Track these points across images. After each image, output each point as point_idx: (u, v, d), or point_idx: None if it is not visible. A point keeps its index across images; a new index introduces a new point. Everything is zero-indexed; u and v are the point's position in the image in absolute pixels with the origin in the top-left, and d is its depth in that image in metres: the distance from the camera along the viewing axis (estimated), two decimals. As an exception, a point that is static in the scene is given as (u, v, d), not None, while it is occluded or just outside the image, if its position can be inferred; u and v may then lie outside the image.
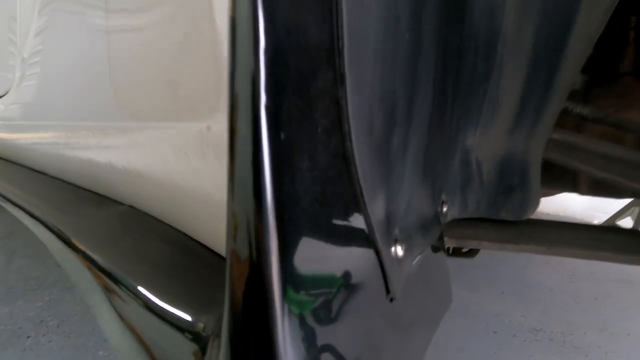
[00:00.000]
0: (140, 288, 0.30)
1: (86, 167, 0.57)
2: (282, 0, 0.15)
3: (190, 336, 0.25)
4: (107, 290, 0.34)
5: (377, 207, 0.25)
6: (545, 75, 0.50)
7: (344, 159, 0.20)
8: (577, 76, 0.51)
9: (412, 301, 0.36)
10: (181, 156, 0.29)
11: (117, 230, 0.47)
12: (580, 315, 1.32)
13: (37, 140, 0.72)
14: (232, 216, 0.17)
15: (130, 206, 0.56)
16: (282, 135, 0.15)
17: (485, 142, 0.52)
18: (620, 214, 1.91)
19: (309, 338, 0.18)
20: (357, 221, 0.22)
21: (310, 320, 0.20)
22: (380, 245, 0.25)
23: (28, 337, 1.36)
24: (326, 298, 0.21)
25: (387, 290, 0.26)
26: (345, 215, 0.21)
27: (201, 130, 0.25)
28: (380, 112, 0.23)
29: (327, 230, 0.19)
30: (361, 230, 0.22)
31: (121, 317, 0.32)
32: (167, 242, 0.40)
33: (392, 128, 0.26)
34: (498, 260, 1.60)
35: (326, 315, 0.21)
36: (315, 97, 0.17)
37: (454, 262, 0.75)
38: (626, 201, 1.85)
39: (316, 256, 0.19)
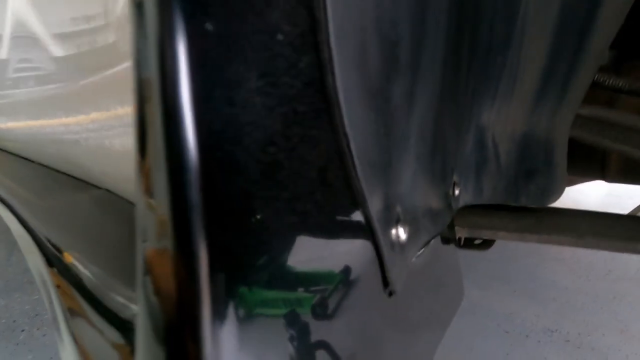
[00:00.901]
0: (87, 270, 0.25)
1: (59, 148, 0.52)
2: None
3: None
4: (70, 308, 0.29)
5: (369, 171, 0.19)
6: (575, 40, 0.44)
7: (322, 92, 0.14)
8: (611, 40, 0.44)
9: (418, 297, 0.30)
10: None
11: (87, 217, 0.42)
12: (598, 315, 1.24)
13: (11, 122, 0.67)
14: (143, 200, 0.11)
15: (107, 190, 0.51)
16: (208, 26, 0.09)
17: (504, 118, 0.46)
18: (638, 210, 1.79)
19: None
20: (340, 183, 0.16)
21: (271, 321, 0.15)
22: (377, 226, 0.19)
23: (22, 330, 1.33)
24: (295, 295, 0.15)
25: (385, 282, 0.20)
26: (322, 173, 0.15)
27: None
28: (375, 40, 0.17)
29: (290, 193, 0.13)
30: (347, 196, 0.16)
31: (79, 344, 0.27)
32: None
33: (393, 70, 0.20)
34: (509, 257, 1.52)
35: (317, 313, 0.16)
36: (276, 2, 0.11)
37: (463, 256, 0.69)
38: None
39: (289, 246, 0.13)
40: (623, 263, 1.50)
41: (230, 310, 0.12)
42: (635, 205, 1.78)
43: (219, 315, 0.12)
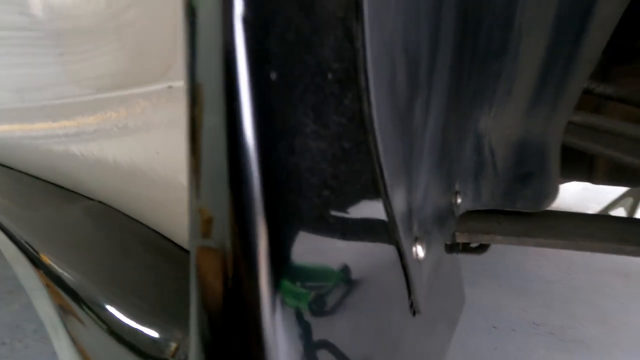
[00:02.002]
0: (104, 305, 0.23)
1: (48, 157, 0.50)
2: None
3: (156, 354, 0.19)
4: (63, 307, 0.28)
5: (398, 194, 0.18)
6: (569, 46, 0.45)
7: (362, 124, 0.14)
8: (602, 48, 0.45)
9: (432, 304, 0.31)
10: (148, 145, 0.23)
11: (83, 230, 0.40)
12: (580, 308, 1.29)
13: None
14: (197, 211, 0.11)
15: (100, 202, 0.49)
16: (272, 75, 0.09)
17: (500, 124, 0.46)
18: (614, 204, 1.89)
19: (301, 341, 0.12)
20: (376, 212, 0.16)
21: (308, 344, 0.14)
22: (404, 245, 0.19)
23: (3, 343, 1.27)
24: (333, 319, 0.15)
25: (411, 303, 0.20)
26: (362, 205, 0.15)
27: (161, 90, 0.19)
28: (403, 64, 0.17)
29: (338, 226, 0.13)
30: (382, 224, 0.16)
31: (76, 343, 0.26)
32: (138, 242, 0.34)
33: (415, 89, 0.20)
34: (496, 254, 1.56)
35: (332, 338, 0.15)
36: (321, 23, 0.11)
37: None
38: (619, 192, 1.84)
39: (318, 265, 0.13)
40: (601, 257, 1.57)
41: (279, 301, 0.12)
42: (611, 199, 1.85)
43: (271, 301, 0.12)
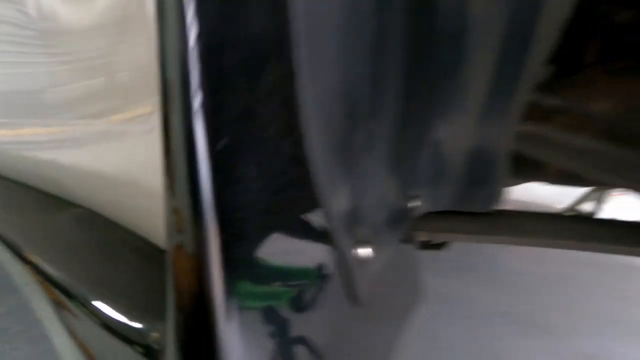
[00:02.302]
0: (93, 301, 0.28)
1: (38, 167, 0.52)
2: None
3: (140, 349, 0.23)
4: (56, 302, 0.32)
5: (337, 209, 0.23)
6: (514, 65, 0.50)
7: (298, 161, 0.18)
8: (544, 64, 0.51)
9: (380, 297, 0.35)
10: (131, 153, 0.27)
11: (71, 236, 0.44)
12: (547, 297, 1.38)
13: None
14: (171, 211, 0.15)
15: (89, 209, 0.53)
16: (223, 140, 0.14)
17: (455, 134, 0.52)
18: (583, 200, 2.00)
19: (257, 338, 0.16)
20: (317, 233, 0.20)
21: (263, 320, 0.19)
22: (345, 249, 0.24)
23: (-10, 346, 1.28)
24: (278, 302, 0.19)
25: (352, 295, 0.25)
26: (304, 229, 0.19)
27: (142, 133, 0.23)
28: (340, 109, 0.22)
29: (283, 240, 0.18)
30: (322, 235, 0.21)
31: (72, 333, 0.30)
32: (123, 246, 0.38)
33: (354, 125, 0.24)
34: (470, 248, 1.64)
35: (294, 310, 0.20)
36: (262, 97, 0.15)
37: (429, 252, 0.76)
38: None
39: (267, 272, 0.17)
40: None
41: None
42: (583, 193, 1.94)
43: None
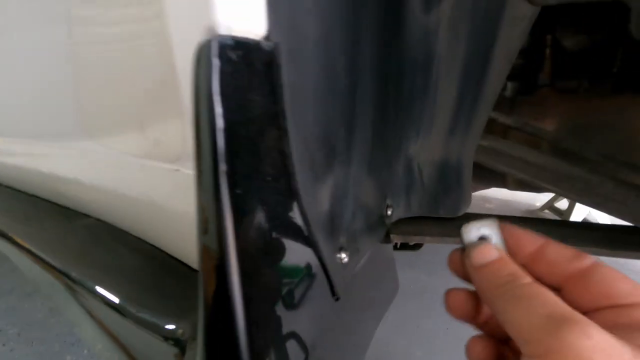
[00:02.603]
0: (123, 301, 0.34)
1: (51, 181, 0.58)
2: (233, 85, 0.20)
3: (172, 342, 0.29)
4: (85, 303, 0.38)
5: (321, 223, 0.30)
6: (474, 89, 0.58)
7: (290, 194, 0.25)
8: (500, 89, 0.59)
9: (358, 294, 0.43)
10: (154, 189, 0.33)
11: (89, 242, 0.49)
12: (521, 289, 1.47)
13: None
14: (202, 254, 0.22)
15: (97, 219, 0.58)
16: (239, 190, 0.20)
17: (425, 149, 0.59)
18: (556, 198, 2.14)
19: (271, 327, 0.23)
20: (302, 239, 0.27)
21: (271, 311, 0.26)
22: (326, 258, 0.31)
23: (-13, 347, 1.31)
24: (280, 303, 0.26)
25: (333, 292, 0.32)
26: (293, 238, 0.26)
27: (170, 171, 0.29)
28: (321, 150, 0.29)
29: (279, 251, 0.24)
30: (306, 245, 0.28)
31: (107, 330, 0.36)
32: (137, 253, 0.44)
33: (331, 159, 0.31)
34: (449, 247, 1.74)
35: (287, 306, 0.27)
36: (264, 154, 0.22)
37: (408, 252, 0.84)
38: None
39: (267, 273, 0.24)
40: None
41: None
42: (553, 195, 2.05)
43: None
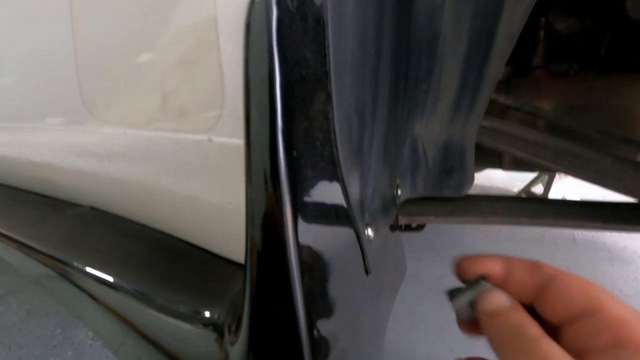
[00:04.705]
0: (151, 295, 0.32)
1: (45, 171, 0.54)
2: (290, 38, 0.19)
3: (211, 327, 0.28)
4: (101, 297, 0.35)
5: (354, 198, 0.29)
6: (477, 69, 0.58)
7: (333, 163, 0.24)
8: (502, 69, 0.60)
9: (379, 273, 0.42)
10: (180, 164, 0.31)
11: (89, 233, 0.46)
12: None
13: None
14: (252, 221, 0.20)
15: (92, 207, 0.55)
16: (295, 153, 0.19)
17: (430, 131, 0.59)
18: (533, 183, 2.23)
19: (319, 307, 0.22)
20: (343, 212, 0.26)
21: (318, 291, 0.25)
22: (359, 229, 0.30)
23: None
24: (326, 275, 0.25)
25: (365, 265, 0.31)
26: (336, 209, 0.25)
27: (202, 141, 0.27)
28: (355, 120, 0.28)
29: (327, 222, 0.23)
30: (347, 219, 0.27)
31: (133, 327, 0.34)
32: (150, 242, 0.42)
33: (363, 131, 0.31)
34: (438, 232, 1.77)
35: (327, 286, 0.26)
36: (315, 117, 0.21)
37: (403, 236, 0.85)
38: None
39: (319, 241, 0.23)
40: (522, 228, 1.85)
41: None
42: (531, 178, 2.14)
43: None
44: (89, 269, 0.37)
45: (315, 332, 0.23)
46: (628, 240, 1.86)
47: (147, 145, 0.34)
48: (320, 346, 0.23)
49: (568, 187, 2.49)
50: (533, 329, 0.25)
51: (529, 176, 2.29)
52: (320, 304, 0.24)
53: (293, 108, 0.19)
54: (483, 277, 0.29)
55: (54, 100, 0.43)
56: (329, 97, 0.22)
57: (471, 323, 0.29)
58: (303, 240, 0.21)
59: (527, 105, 0.65)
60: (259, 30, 0.18)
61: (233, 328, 0.26)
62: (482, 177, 2.64)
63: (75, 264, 0.39)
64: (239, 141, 0.23)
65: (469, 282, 0.29)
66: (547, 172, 1.84)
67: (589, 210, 0.62)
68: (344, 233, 0.26)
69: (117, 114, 0.36)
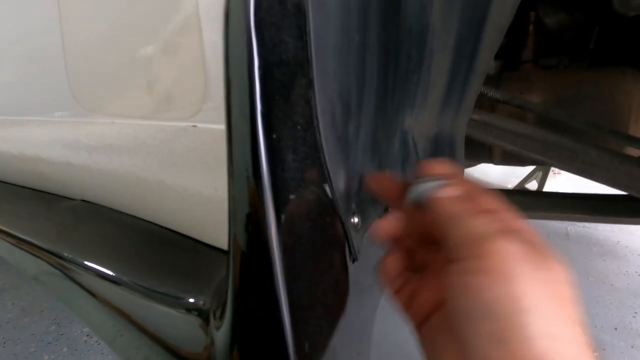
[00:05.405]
0: (138, 282, 0.32)
1: (35, 166, 0.54)
2: (268, 22, 0.19)
3: (196, 312, 0.28)
4: (92, 288, 0.36)
5: (339, 185, 0.30)
6: (467, 62, 0.59)
7: (315, 148, 0.25)
8: (491, 62, 0.60)
9: (366, 262, 0.43)
10: (166, 152, 0.31)
11: (81, 225, 0.47)
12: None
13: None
14: (233, 203, 0.21)
15: (83, 200, 0.55)
16: (274, 135, 0.19)
17: (420, 123, 0.60)
18: (528, 178, 2.24)
19: (301, 291, 0.23)
20: (325, 196, 0.27)
21: (298, 273, 0.25)
22: (343, 216, 0.30)
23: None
24: (307, 255, 0.26)
25: (350, 252, 0.32)
26: (318, 193, 0.26)
27: (187, 128, 0.28)
28: (339, 106, 0.28)
29: (308, 208, 0.24)
30: (330, 203, 0.27)
31: (128, 318, 0.34)
32: (137, 232, 0.42)
33: (347, 119, 0.31)
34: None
35: (308, 267, 0.26)
36: (295, 101, 0.21)
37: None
38: (531, 168, 2.17)
39: (302, 230, 0.24)
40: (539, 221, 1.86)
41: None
42: (526, 174, 2.15)
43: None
44: (79, 260, 0.37)
45: (297, 316, 0.23)
46: (620, 235, 1.88)
47: (134, 134, 0.34)
48: (302, 330, 0.24)
49: (562, 184, 2.51)
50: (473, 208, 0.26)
51: (524, 173, 2.30)
52: (301, 287, 0.24)
53: (272, 90, 0.19)
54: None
55: (43, 92, 0.43)
56: (310, 82, 0.23)
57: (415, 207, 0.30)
58: (284, 221, 0.21)
59: (516, 99, 0.66)
60: (238, 15, 0.18)
61: (218, 314, 0.27)
62: (477, 173, 2.65)
63: (66, 254, 0.39)
64: (223, 127, 0.23)
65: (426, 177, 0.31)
66: (538, 165, 1.86)
67: (578, 202, 0.63)
68: (325, 216, 0.27)
69: (105, 103, 0.36)
